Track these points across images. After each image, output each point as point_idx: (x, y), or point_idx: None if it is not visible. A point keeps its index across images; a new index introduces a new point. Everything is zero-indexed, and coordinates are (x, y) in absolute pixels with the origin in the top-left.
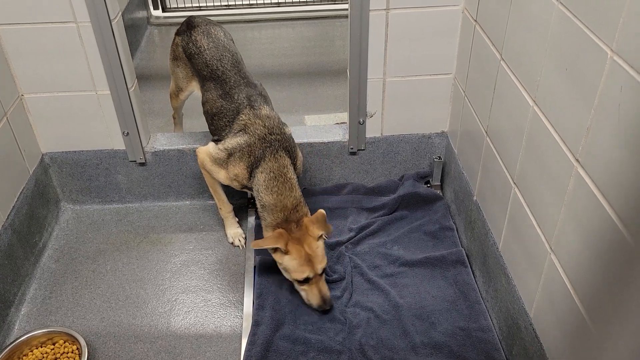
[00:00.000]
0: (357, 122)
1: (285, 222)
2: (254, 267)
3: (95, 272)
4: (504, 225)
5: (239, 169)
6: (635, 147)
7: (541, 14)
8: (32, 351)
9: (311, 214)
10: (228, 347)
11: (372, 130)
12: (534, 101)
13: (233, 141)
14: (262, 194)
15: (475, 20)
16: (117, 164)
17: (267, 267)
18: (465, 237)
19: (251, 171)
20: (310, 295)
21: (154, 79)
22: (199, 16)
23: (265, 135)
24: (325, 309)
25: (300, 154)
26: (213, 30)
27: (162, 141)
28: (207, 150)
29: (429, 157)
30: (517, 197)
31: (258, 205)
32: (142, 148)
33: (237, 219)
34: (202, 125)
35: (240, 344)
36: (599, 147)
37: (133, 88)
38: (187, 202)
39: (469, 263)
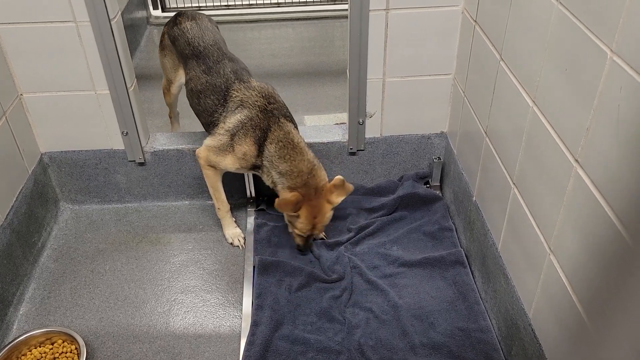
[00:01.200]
0: (357, 122)
1: (304, 186)
2: (253, 267)
3: (94, 272)
4: (503, 226)
5: (246, 146)
6: (634, 147)
7: (541, 14)
8: (30, 351)
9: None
10: (227, 347)
11: (372, 130)
12: (534, 102)
13: (233, 119)
14: (277, 162)
15: (475, 21)
16: (116, 164)
17: (266, 267)
18: (464, 237)
19: (259, 146)
20: (298, 240)
21: (154, 78)
22: (190, 11)
23: (266, 105)
24: (301, 250)
25: (294, 122)
26: (198, 17)
27: (162, 141)
28: (207, 144)
29: (429, 158)
30: (516, 197)
31: (274, 174)
32: (142, 148)
33: (234, 219)
34: (200, 124)
35: (239, 344)
36: (598, 148)
37: (132, 88)
38: (187, 202)
39: (468, 263)
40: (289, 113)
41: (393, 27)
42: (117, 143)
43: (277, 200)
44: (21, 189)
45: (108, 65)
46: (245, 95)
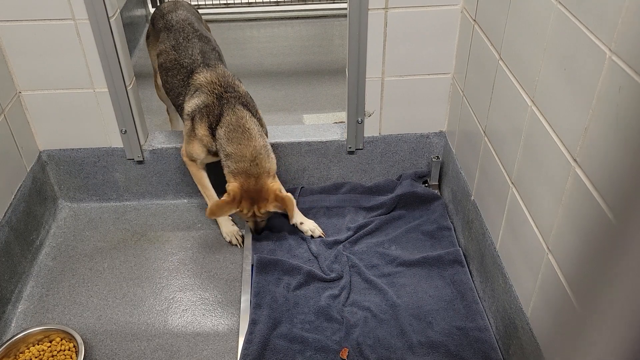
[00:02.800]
0: (356, 121)
1: (244, 174)
2: (251, 265)
3: (93, 270)
4: (502, 225)
5: (202, 131)
6: (633, 147)
7: (540, 13)
8: (28, 348)
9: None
10: (225, 346)
11: (371, 129)
12: (532, 101)
13: (191, 103)
14: (224, 145)
15: (474, 20)
16: (115, 162)
17: (264, 266)
18: (462, 236)
19: (212, 131)
20: (248, 224)
21: (152, 77)
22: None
23: (222, 93)
24: (255, 233)
25: (260, 114)
26: (183, 2)
27: (160, 139)
28: (184, 140)
29: (427, 157)
30: (514, 197)
31: (222, 157)
32: (140, 146)
33: (231, 217)
34: None
35: (237, 342)
36: (597, 148)
37: (131, 86)
38: (185, 201)
39: (467, 263)
40: (251, 103)
41: (392, 26)
42: (115, 141)
43: (210, 208)
44: (19, 187)
45: (107, 63)
46: (205, 80)
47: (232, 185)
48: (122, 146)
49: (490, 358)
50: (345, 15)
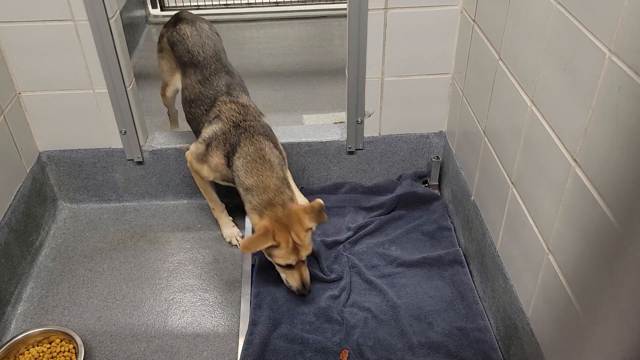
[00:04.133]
0: (355, 121)
1: (269, 205)
2: (252, 266)
3: (92, 270)
4: (502, 226)
5: (217, 159)
6: (633, 148)
7: (539, 13)
8: (28, 350)
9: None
10: (225, 346)
11: (370, 129)
12: (532, 101)
13: (209, 130)
14: (243, 178)
15: (474, 20)
16: (115, 163)
17: (264, 267)
18: (462, 237)
19: (228, 159)
20: (291, 278)
21: (152, 78)
22: (187, 12)
23: (240, 122)
24: (303, 293)
25: (284, 152)
26: (198, 23)
27: (160, 140)
28: (191, 150)
29: (427, 157)
30: (514, 197)
31: (241, 191)
32: (140, 147)
33: (231, 218)
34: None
35: (238, 343)
36: (596, 148)
37: (131, 87)
38: (185, 201)
39: (467, 263)
40: (272, 134)
41: (392, 27)
42: (115, 142)
43: (243, 242)
44: (19, 188)
45: (106, 64)
46: (224, 107)
47: (260, 222)
48: (121, 147)
49: (491, 358)
50: (345, 16)
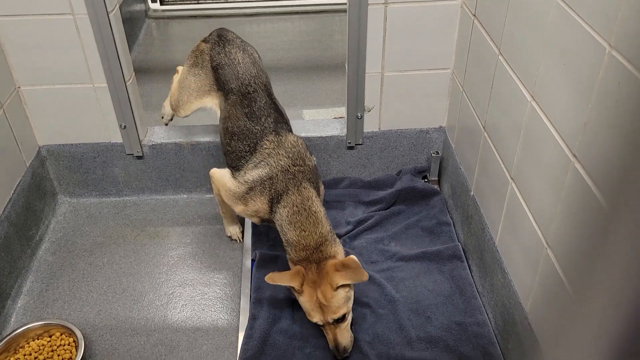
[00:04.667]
0: (355, 116)
1: (306, 260)
2: (252, 260)
3: (92, 265)
4: (501, 221)
5: (259, 204)
6: (632, 143)
7: (540, 8)
8: (28, 343)
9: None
10: (225, 341)
11: (370, 124)
12: (532, 96)
13: (254, 173)
14: (285, 229)
15: (474, 15)
16: (114, 157)
17: (265, 261)
18: (462, 232)
19: (272, 205)
20: (330, 341)
21: (152, 72)
22: (233, 32)
23: (289, 167)
24: (336, 358)
25: (322, 186)
26: (249, 49)
27: (160, 134)
28: (224, 181)
29: (427, 152)
30: (514, 192)
31: (283, 239)
32: (140, 141)
33: (236, 216)
34: (198, 118)
35: (237, 337)
36: (596, 143)
37: (130, 81)
38: (185, 196)
39: (466, 258)
40: (316, 179)
41: (392, 21)
42: (115, 136)
43: (271, 274)
44: (19, 182)
45: (106, 58)
46: (273, 152)
47: (295, 267)
48: (121, 141)
49: (489, 353)
50: (345, 11)
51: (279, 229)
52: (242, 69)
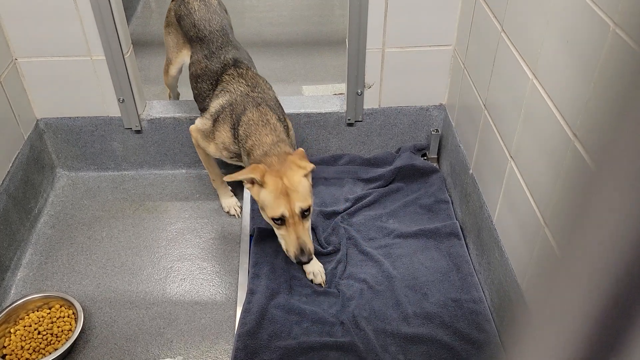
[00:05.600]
0: (355, 93)
1: (264, 156)
2: (250, 236)
3: (91, 238)
4: (499, 199)
5: (224, 133)
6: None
7: None
8: (28, 315)
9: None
10: (223, 315)
11: (370, 101)
12: (534, 74)
13: (215, 103)
14: (245, 143)
15: None
16: (113, 131)
17: (263, 237)
18: (460, 210)
19: (234, 132)
20: (288, 241)
21: (150, 45)
22: None
23: (249, 92)
24: (301, 261)
25: (290, 123)
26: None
27: (158, 109)
28: (196, 126)
29: (427, 130)
30: (513, 170)
31: (244, 159)
32: (138, 115)
33: (230, 188)
34: None
35: (235, 311)
36: (597, 122)
37: (129, 54)
38: (183, 171)
39: (463, 236)
40: (279, 108)
41: None
42: (113, 110)
43: (227, 176)
44: (17, 155)
45: (104, 30)
46: (233, 80)
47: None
48: (119, 115)
49: (484, 330)
50: None
51: (242, 152)
52: (197, 16)
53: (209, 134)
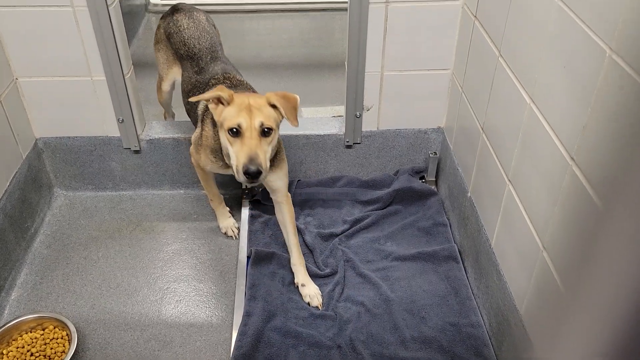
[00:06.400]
0: (354, 115)
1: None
2: (247, 257)
3: (87, 258)
4: (497, 222)
5: (207, 128)
6: (631, 147)
7: (540, 10)
8: (21, 336)
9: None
10: (218, 337)
11: (369, 124)
12: (531, 98)
13: (201, 106)
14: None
15: (475, 16)
16: (112, 151)
17: (260, 258)
18: (458, 233)
19: (216, 129)
20: (239, 153)
21: (151, 67)
22: (184, 3)
23: (232, 87)
24: (250, 171)
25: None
26: (195, 14)
27: (158, 129)
28: (192, 141)
29: (425, 153)
30: (511, 194)
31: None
32: (137, 135)
33: (228, 209)
34: None
35: (231, 334)
36: (595, 147)
37: (129, 75)
38: (181, 191)
39: (461, 259)
40: None
41: (392, 21)
42: (112, 130)
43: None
44: (15, 174)
45: (105, 51)
46: (218, 82)
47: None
48: (119, 135)
49: (483, 354)
50: (346, 9)
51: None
52: (187, 34)
53: (198, 140)
